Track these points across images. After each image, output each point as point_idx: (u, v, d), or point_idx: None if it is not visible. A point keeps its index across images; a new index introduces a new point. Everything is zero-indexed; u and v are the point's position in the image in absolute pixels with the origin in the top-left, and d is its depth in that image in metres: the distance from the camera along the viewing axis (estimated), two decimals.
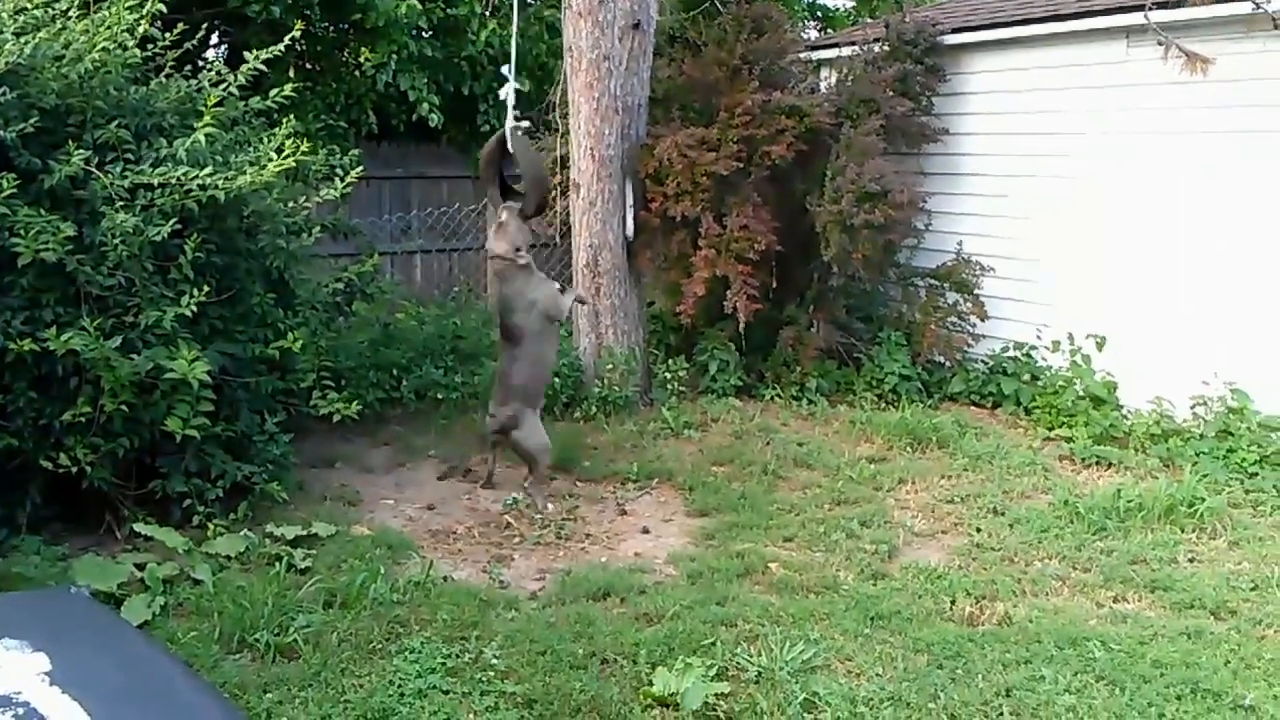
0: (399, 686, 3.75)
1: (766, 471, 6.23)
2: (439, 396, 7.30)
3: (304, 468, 6.25)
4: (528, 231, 6.01)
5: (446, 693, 3.74)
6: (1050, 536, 5.30)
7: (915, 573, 4.87)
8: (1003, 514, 5.64)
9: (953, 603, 4.55)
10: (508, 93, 5.86)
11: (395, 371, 7.50)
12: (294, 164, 5.35)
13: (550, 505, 5.78)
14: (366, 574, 4.54)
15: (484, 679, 3.83)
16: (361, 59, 10.55)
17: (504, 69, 6.03)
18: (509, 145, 5.93)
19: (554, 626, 4.26)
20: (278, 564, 4.69)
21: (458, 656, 3.98)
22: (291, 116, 6.06)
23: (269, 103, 6.26)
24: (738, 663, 3.96)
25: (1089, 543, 5.24)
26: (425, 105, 9.73)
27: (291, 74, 10.60)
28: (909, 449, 6.72)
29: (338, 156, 10.12)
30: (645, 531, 5.53)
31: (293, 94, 6.20)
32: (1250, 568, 4.94)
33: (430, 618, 4.28)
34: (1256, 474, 6.06)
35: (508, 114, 5.88)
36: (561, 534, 5.42)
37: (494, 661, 3.94)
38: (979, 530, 5.43)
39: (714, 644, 4.08)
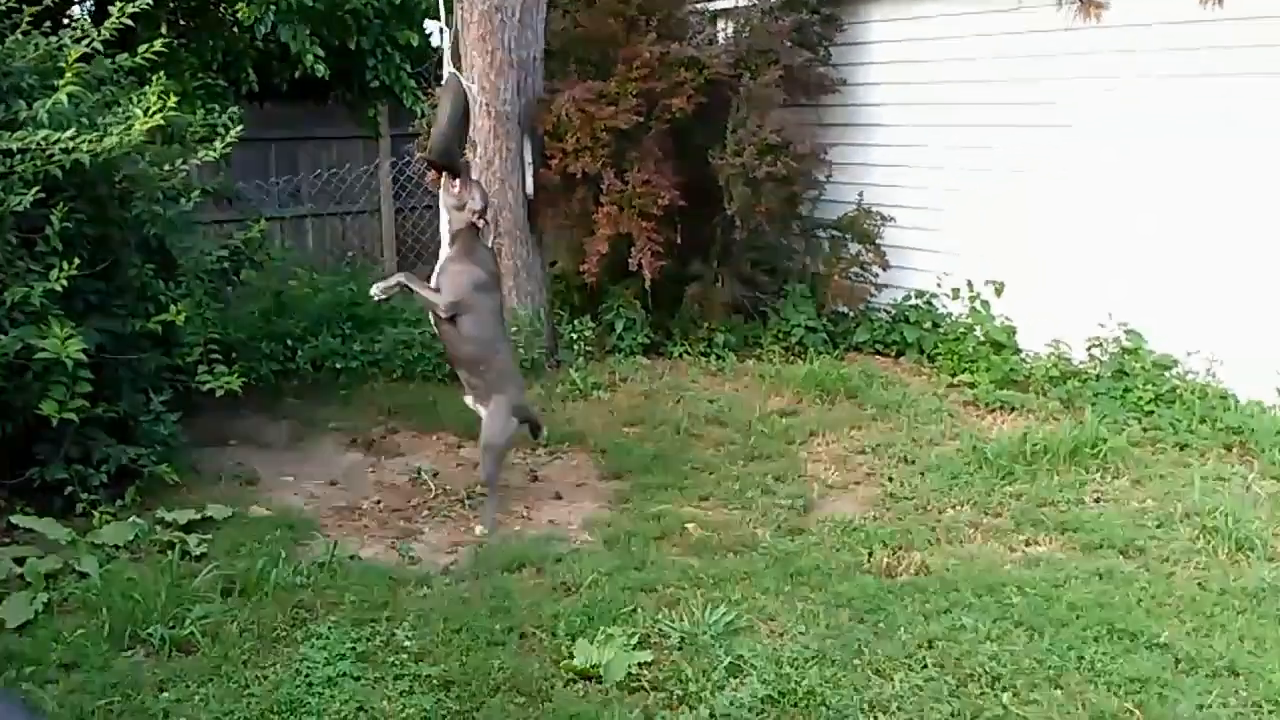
0: (307, 676, 3.56)
1: (679, 430, 6.16)
2: (337, 366, 7.03)
3: (196, 447, 5.93)
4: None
5: (358, 679, 3.57)
6: (960, 483, 5.35)
7: (831, 526, 4.85)
8: (913, 462, 5.67)
9: (870, 555, 4.54)
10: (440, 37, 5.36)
11: (290, 342, 7.19)
12: (163, 122, 5.00)
13: None
14: (266, 558, 4.32)
15: (397, 662, 3.67)
16: (238, 13, 10.01)
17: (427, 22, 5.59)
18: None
19: (468, 602, 4.11)
20: (170, 551, 4.42)
21: (368, 640, 3.80)
22: (163, 74, 5.69)
23: (138, 59, 5.88)
24: (660, 630, 3.87)
25: (998, 488, 5.29)
26: (310, 57, 9.25)
27: (164, 30, 10.03)
28: (819, 401, 6.71)
29: (217, 115, 9.64)
30: (558, 498, 5.40)
31: (164, 50, 5.82)
32: (1154, 505, 5.05)
33: (337, 601, 4.08)
34: (1153, 412, 6.21)
35: (446, 61, 5.30)
36: (471, 505, 5.25)
37: (406, 643, 3.77)
38: (891, 480, 5.45)
39: (634, 611, 3.99)
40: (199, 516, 4.88)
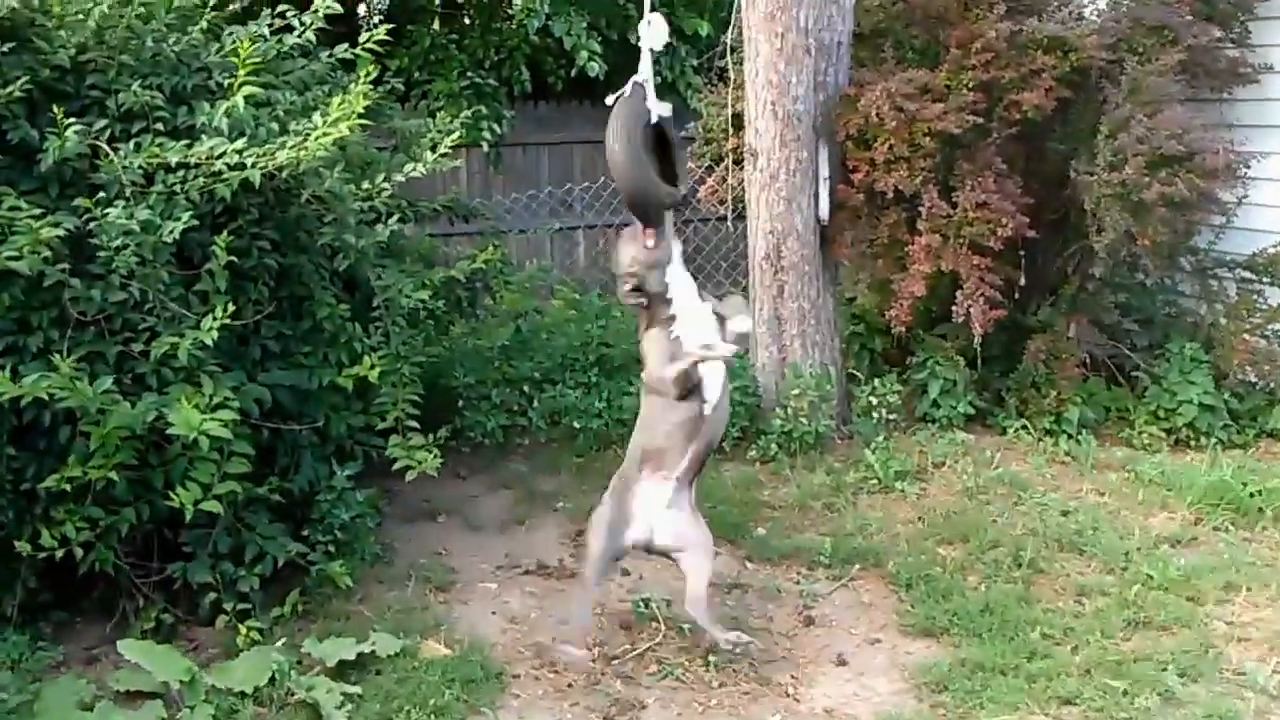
0: None
1: (1018, 561, 4.34)
2: (575, 424, 5.75)
3: (397, 521, 4.89)
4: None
5: None
6: None
7: None
8: None
9: None
10: (651, 36, 3.96)
11: (526, 389, 6.01)
12: (347, 131, 3.86)
13: None
14: None
15: None
16: (511, 6, 9.16)
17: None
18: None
19: None
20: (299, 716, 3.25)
21: None
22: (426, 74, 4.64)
23: (356, 52, 4.87)
24: None
25: None
26: (584, 53, 8.22)
27: (436, 26, 9.35)
28: (1230, 525, 4.66)
29: (485, 119, 8.72)
30: (841, 663, 3.78)
31: (383, 42, 4.79)
32: None
33: None
34: None
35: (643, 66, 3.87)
36: (717, 664, 3.74)
37: None
38: None
39: None
40: (358, 652, 3.68)
